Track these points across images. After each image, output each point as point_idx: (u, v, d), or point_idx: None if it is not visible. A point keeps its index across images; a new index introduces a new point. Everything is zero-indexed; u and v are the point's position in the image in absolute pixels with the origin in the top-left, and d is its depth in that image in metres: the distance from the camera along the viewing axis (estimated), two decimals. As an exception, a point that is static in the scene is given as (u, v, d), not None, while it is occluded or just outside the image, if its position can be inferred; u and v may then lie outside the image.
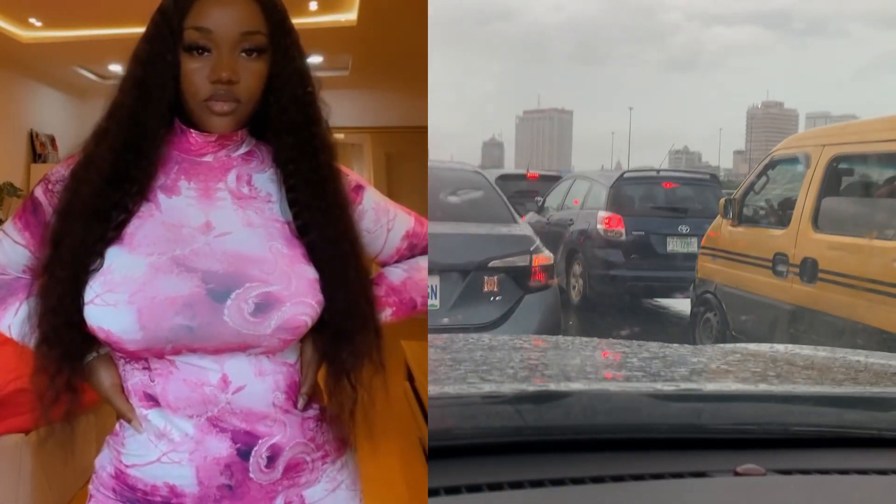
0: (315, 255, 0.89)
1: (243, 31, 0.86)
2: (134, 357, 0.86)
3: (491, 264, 3.61)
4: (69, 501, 2.47)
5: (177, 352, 0.85)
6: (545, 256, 3.77)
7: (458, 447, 0.89)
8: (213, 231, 0.87)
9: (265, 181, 0.92)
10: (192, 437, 0.85)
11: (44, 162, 7.28)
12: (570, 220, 7.63)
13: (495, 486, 0.82)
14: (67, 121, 7.87)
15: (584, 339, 1.58)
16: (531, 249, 3.73)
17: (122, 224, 0.87)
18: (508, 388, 1.06)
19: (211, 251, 0.85)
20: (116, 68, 6.61)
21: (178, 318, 0.82)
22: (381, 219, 1.01)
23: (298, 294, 0.86)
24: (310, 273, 0.88)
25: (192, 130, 0.90)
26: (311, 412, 0.92)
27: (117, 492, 0.89)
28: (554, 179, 9.95)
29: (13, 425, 2.18)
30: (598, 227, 7.06)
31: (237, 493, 0.86)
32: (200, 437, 0.85)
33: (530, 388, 1.09)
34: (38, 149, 7.36)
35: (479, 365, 1.25)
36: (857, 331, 3.49)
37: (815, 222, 3.91)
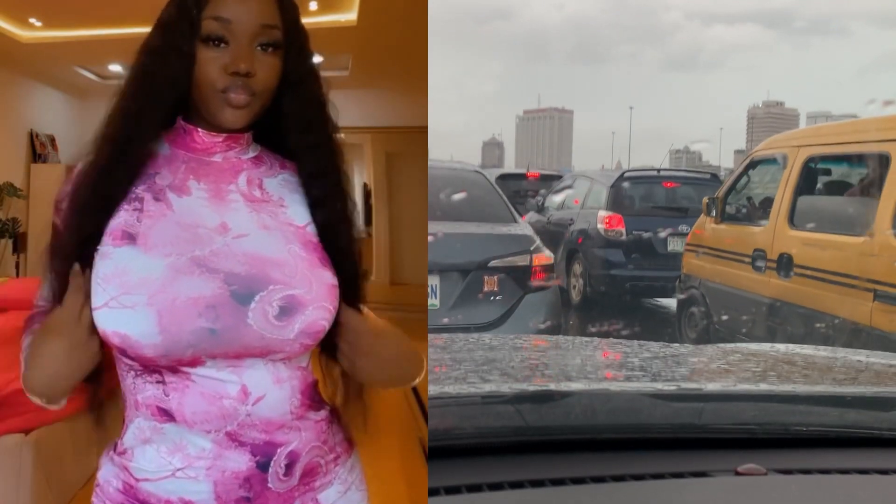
0: (333, 258, 0.89)
1: (262, 23, 0.86)
2: (148, 368, 0.83)
3: (491, 264, 3.61)
4: (69, 501, 2.45)
5: (195, 360, 0.81)
6: (545, 256, 3.77)
7: (458, 447, 0.89)
8: (230, 232, 0.85)
9: (276, 186, 0.91)
10: (210, 451, 0.83)
11: (44, 162, 7.31)
12: (571, 219, 7.63)
13: (495, 486, 0.82)
14: (67, 121, 7.89)
15: (584, 339, 1.58)
16: (531, 249, 3.73)
17: (111, 212, 0.84)
18: (508, 388, 1.06)
19: (231, 252, 0.83)
20: (116, 68, 6.74)
21: (201, 320, 0.79)
22: None
23: (319, 298, 0.84)
24: (328, 278, 0.86)
25: (198, 129, 0.89)
26: (323, 413, 0.91)
27: None
28: (554, 179, 9.94)
29: (13, 425, 2.18)
30: (599, 226, 7.05)
31: None
32: (218, 452, 0.83)
33: (530, 388, 1.09)
34: (38, 149, 7.37)
35: (480, 365, 1.25)
36: (830, 322, 3.65)
37: (792, 220, 4.10)
